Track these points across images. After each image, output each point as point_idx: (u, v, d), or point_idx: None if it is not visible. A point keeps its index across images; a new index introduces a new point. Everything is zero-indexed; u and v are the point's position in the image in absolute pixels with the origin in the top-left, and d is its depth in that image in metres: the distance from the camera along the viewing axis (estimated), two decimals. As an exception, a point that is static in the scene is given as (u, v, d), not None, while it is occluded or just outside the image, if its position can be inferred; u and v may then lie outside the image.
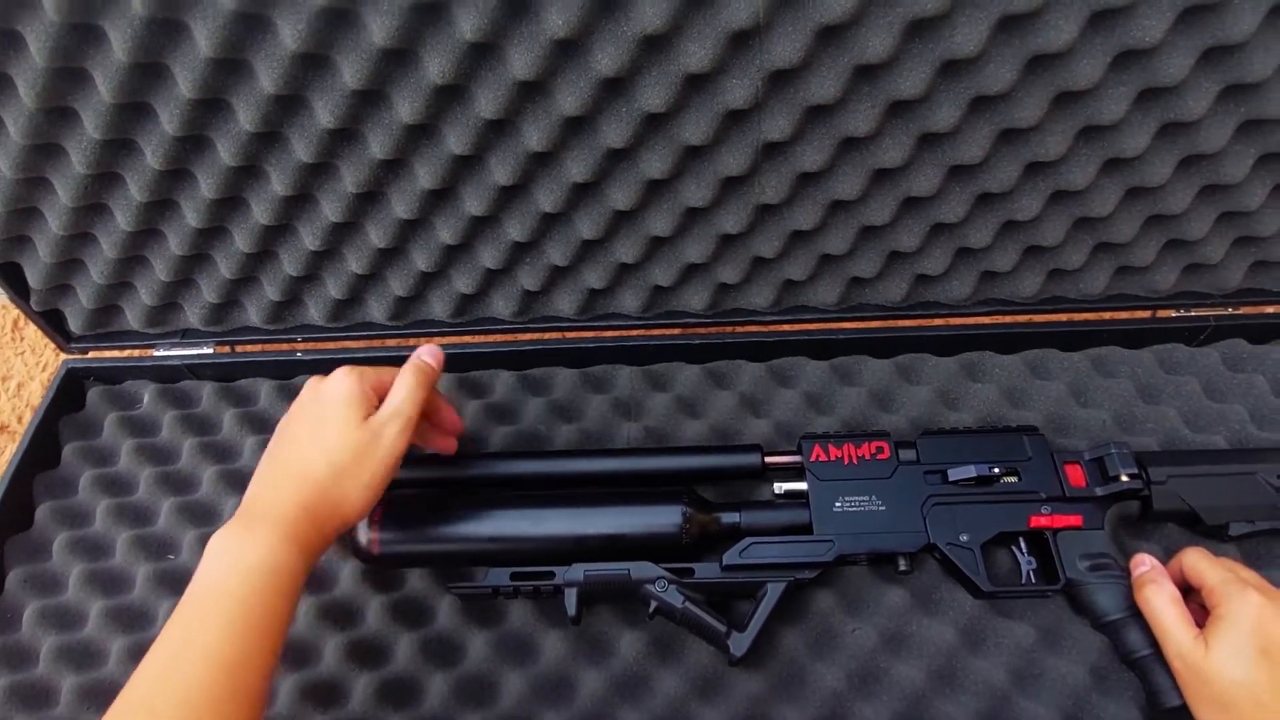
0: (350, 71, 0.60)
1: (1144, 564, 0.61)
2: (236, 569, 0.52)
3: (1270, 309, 0.79)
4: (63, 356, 0.86)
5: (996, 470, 0.67)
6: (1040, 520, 0.66)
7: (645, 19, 0.56)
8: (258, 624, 0.50)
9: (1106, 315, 0.81)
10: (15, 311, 1.02)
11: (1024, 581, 0.66)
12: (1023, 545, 0.67)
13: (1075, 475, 0.67)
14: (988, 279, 0.77)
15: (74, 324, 0.83)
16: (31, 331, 1.01)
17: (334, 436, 0.58)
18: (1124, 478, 0.65)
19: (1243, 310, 0.79)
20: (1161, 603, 0.58)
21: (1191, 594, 0.60)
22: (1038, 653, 0.64)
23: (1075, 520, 0.66)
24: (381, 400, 0.62)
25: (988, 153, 0.65)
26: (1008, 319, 0.81)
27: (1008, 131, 0.64)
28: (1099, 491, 0.66)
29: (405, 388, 0.62)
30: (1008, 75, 0.60)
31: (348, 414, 0.59)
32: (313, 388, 0.63)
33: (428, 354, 0.66)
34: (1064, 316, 0.81)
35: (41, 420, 0.81)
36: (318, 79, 0.61)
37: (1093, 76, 0.60)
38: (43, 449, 0.81)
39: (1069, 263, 0.75)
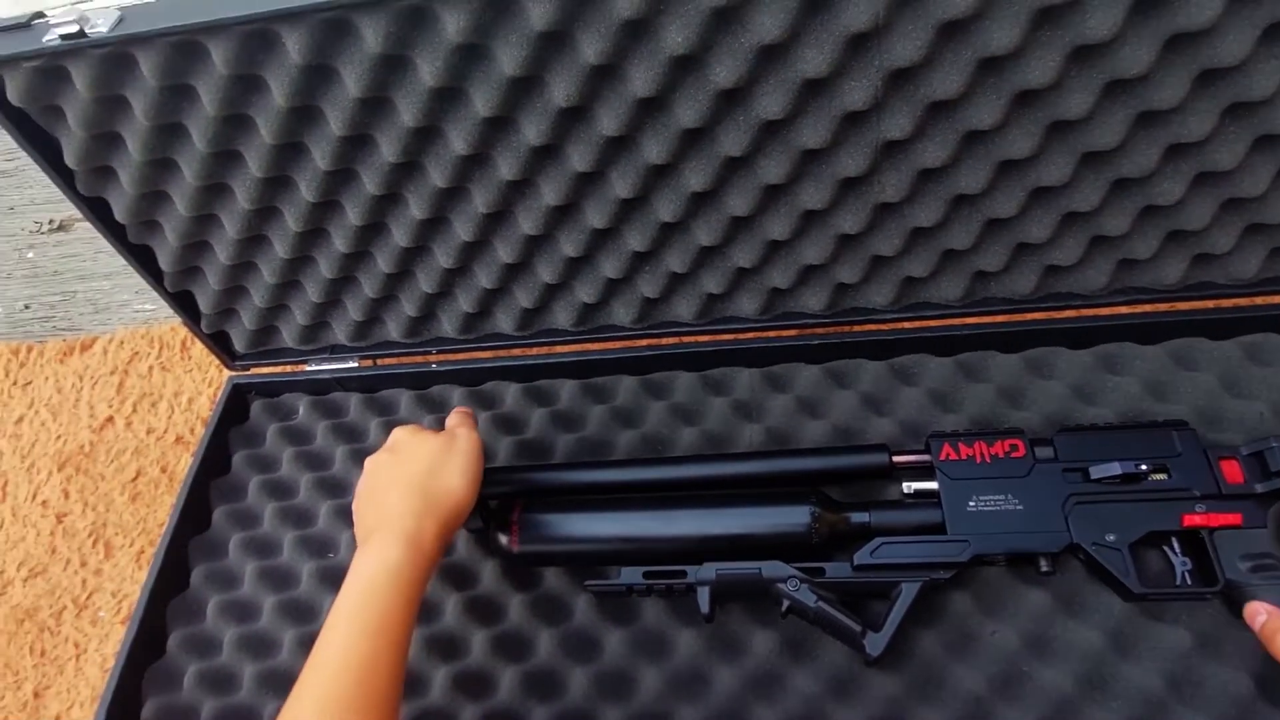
0: (481, 101, 0.64)
1: (1261, 614, 0.57)
2: (356, 584, 0.59)
3: None
4: (227, 373, 0.94)
5: (1144, 467, 0.64)
6: (1195, 519, 0.63)
7: (763, 30, 0.57)
8: (377, 626, 0.57)
9: (1260, 300, 0.75)
10: (183, 333, 1.12)
11: (1178, 583, 0.63)
12: (1176, 546, 0.64)
13: (1232, 471, 0.63)
14: (1126, 267, 0.73)
15: (238, 344, 0.91)
16: (197, 350, 1.11)
17: (417, 450, 0.67)
18: (1287, 473, 0.61)
19: None
20: None
21: None
22: (1195, 659, 0.61)
23: (1234, 519, 0.62)
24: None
25: (1124, 138, 0.62)
26: (1148, 308, 0.76)
27: (1146, 114, 0.61)
28: (1259, 488, 0.62)
29: (456, 416, 0.74)
30: (1145, 57, 0.57)
31: (421, 435, 0.69)
32: (374, 457, 0.69)
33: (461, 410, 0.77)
34: (1211, 303, 0.76)
35: (214, 432, 0.90)
36: (452, 110, 0.65)
37: (1239, 53, 0.56)
38: (216, 458, 0.89)
39: (1216, 246, 0.70)
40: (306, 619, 0.77)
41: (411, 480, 0.65)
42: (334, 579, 0.78)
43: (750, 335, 0.84)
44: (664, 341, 0.86)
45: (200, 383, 1.08)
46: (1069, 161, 0.65)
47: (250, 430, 0.92)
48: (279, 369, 0.94)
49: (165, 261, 0.82)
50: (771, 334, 0.84)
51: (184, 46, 0.63)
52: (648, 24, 0.58)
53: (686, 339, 0.85)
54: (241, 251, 0.80)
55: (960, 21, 0.56)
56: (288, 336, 0.89)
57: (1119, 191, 0.67)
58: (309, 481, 0.85)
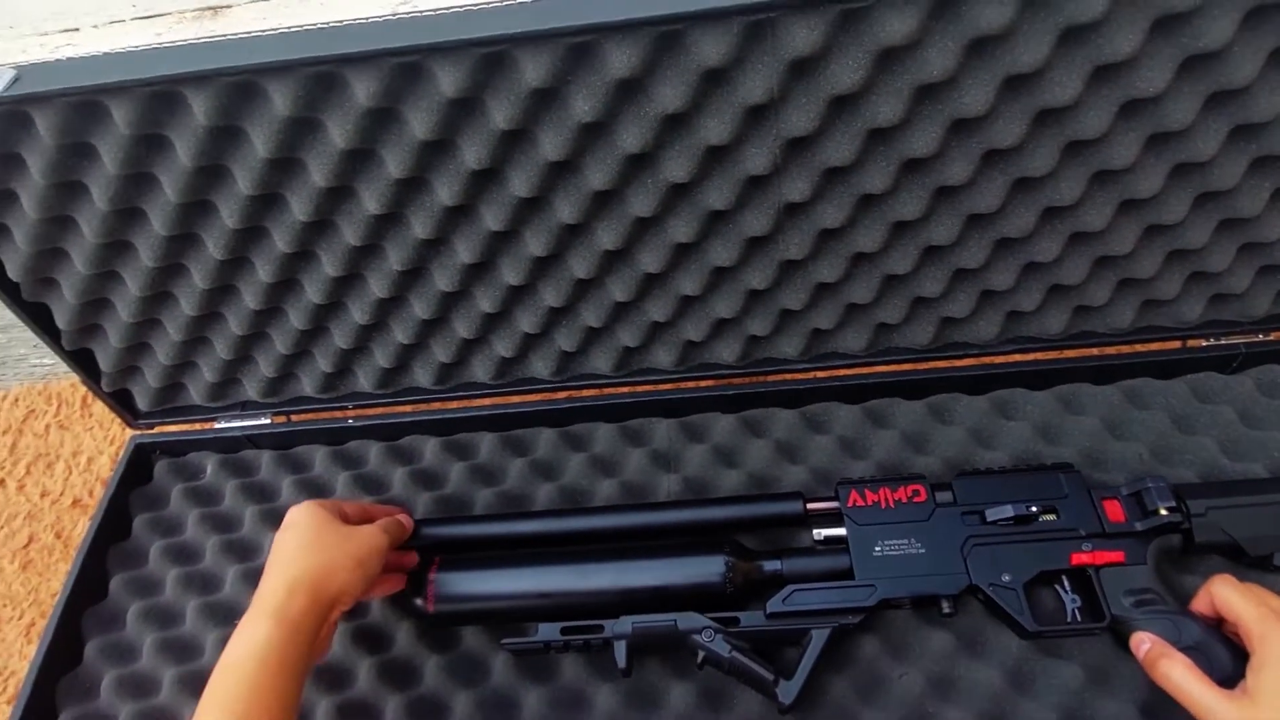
0: (394, 163, 0.64)
1: (1145, 642, 0.60)
2: (223, 666, 0.56)
3: (1302, 333, 0.79)
4: (130, 432, 0.91)
5: (1034, 509, 0.67)
6: (1082, 557, 0.66)
7: (666, 101, 0.60)
8: (246, 710, 0.53)
9: (1137, 347, 0.81)
10: (84, 389, 1.08)
11: (1069, 620, 0.66)
12: (1066, 583, 0.67)
13: (1114, 511, 0.67)
14: (1014, 319, 0.78)
15: (141, 402, 0.88)
16: (99, 407, 1.07)
17: (312, 530, 0.63)
18: (1163, 511, 0.65)
19: (1274, 336, 0.79)
20: (1180, 676, 0.56)
21: (1227, 623, 0.60)
22: (1088, 693, 0.64)
23: (1117, 556, 0.66)
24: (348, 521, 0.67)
25: (1003, 201, 0.67)
26: (1037, 355, 0.81)
27: (1022, 180, 0.66)
28: (1139, 526, 0.66)
29: (379, 525, 0.68)
30: (1017, 130, 0.62)
31: (322, 515, 0.65)
32: (281, 527, 0.66)
33: (404, 519, 0.72)
34: (1094, 351, 0.82)
35: (113, 495, 0.86)
36: (364, 171, 0.66)
37: (1101, 126, 0.62)
38: (114, 522, 0.85)
39: (1093, 299, 0.76)
40: (211, 691, 0.74)
41: (287, 552, 0.62)
42: (241, 647, 0.76)
43: (667, 386, 0.85)
44: (583, 393, 0.86)
45: (101, 441, 1.04)
46: (955, 222, 0.69)
47: (153, 492, 0.88)
48: (186, 427, 0.90)
49: (62, 320, 0.79)
50: (688, 385, 0.85)
51: (84, 107, 0.62)
52: (556, 93, 0.60)
53: (605, 390, 0.86)
54: (145, 309, 0.78)
55: (848, 96, 0.60)
56: (195, 394, 0.87)
57: (1002, 250, 0.72)
58: (215, 545, 0.82)
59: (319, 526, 0.64)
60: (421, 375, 0.85)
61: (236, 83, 0.59)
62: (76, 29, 1.15)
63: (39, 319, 0.79)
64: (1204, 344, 0.80)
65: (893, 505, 0.70)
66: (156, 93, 0.60)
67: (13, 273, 0.74)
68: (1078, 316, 0.78)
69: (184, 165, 0.64)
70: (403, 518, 0.72)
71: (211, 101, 0.60)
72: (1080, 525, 0.67)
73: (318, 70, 0.58)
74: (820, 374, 0.84)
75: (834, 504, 0.71)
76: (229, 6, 1.15)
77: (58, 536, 0.97)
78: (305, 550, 0.62)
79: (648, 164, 0.65)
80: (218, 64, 0.57)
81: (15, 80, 0.60)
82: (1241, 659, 0.57)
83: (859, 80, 0.58)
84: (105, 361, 0.83)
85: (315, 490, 0.85)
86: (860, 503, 0.70)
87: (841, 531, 0.69)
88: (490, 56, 0.58)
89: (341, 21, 0.56)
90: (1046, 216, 0.69)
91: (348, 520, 0.67)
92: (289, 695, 0.56)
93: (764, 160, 0.64)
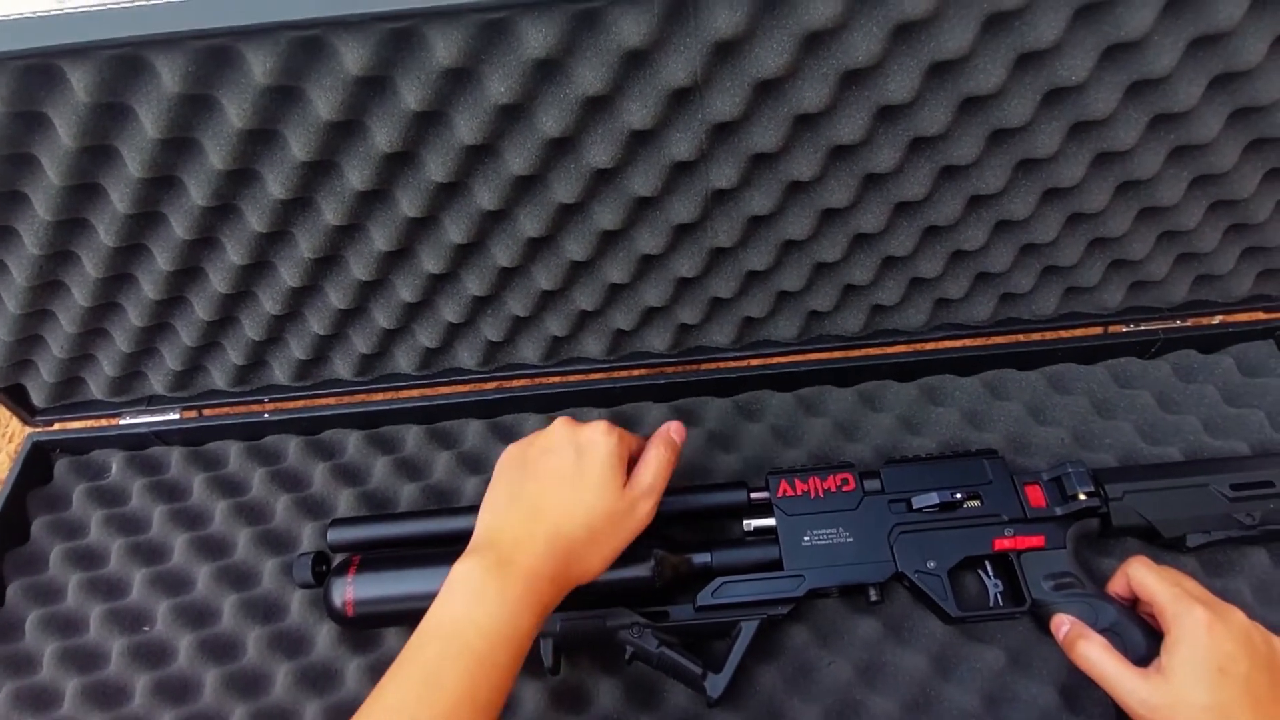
0: (298, 145, 0.61)
1: (1065, 624, 0.62)
2: (479, 621, 0.50)
3: (1217, 319, 0.81)
4: (27, 430, 0.85)
5: (959, 495, 0.68)
6: (1004, 543, 0.67)
7: (586, 83, 0.57)
8: (489, 685, 0.49)
9: (1061, 334, 0.83)
10: (-22, 382, 1.01)
11: (991, 605, 0.67)
12: (989, 569, 0.68)
13: (1035, 496, 0.68)
14: (942, 306, 0.79)
15: (37, 398, 0.83)
16: (-4, 402, 1.00)
17: (593, 499, 0.57)
18: (1082, 496, 0.66)
19: (1190, 322, 0.81)
20: (1097, 655, 0.58)
21: (1142, 604, 0.62)
22: (1008, 676, 0.65)
23: (1038, 541, 0.67)
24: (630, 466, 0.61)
25: (930, 189, 0.67)
26: (964, 342, 0.82)
27: (948, 168, 0.66)
28: (1059, 511, 0.67)
29: (657, 463, 0.60)
30: (942, 117, 0.61)
31: (610, 476, 0.58)
32: (570, 435, 0.59)
33: (676, 432, 0.64)
34: (1019, 337, 0.83)
35: (8, 496, 0.81)
36: (266, 153, 0.62)
37: (1025, 115, 0.61)
38: (11, 526, 0.80)
39: (1019, 286, 0.77)
40: (116, 703, 0.70)
41: (570, 535, 0.55)
42: (150, 656, 0.72)
43: (599, 376, 0.84)
44: (513, 384, 0.84)
45: (0, 439, 0.97)
46: (883, 210, 0.69)
47: (53, 492, 0.83)
48: (88, 423, 0.85)
49: (-58, 312, 0.73)
50: (620, 374, 0.84)
51: (-52, 80, 0.56)
52: (470, 73, 0.57)
53: (536, 380, 0.84)
54: (34, 299, 0.72)
55: (773, 81, 0.58)
56: (96, 388, 0.82)
57: (930, 238, 0.72)
58: (121, 547, 0.77)
59: (607, 493, 0.56)
60: (341, 367, 0.81)
61: (119, 56, 0.55)
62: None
63: (-84, 311, 0.73)
64: (1124, 330, 0.81)
65: (821, 495, 0.69)
66: (30, 66, 0.55)
67: (-117, 264, 0.68)
68: (1004, 303, 0.79)
69: (66, 145, 0.59)
70: (676, 434, 0.63)
71: (92, 76, 0.55)
72: (1003, 510, 0.68)
73: (208, 44, 0.54)
74: (752, 362, 0.83)
75: (766, 493, 0.70)
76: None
77: (-49, 541, 0.91)
78: (582, 528, 0.55)
79: (569, 149, 0.63)
80: (96, 35, 0.53)
81: None
82: (1156, 638, 0.59)
83: (784, 64, 0.57)
84: (-7, 355, 0.78)
85: (229, 488, 0.81)
86: (790, 493, 0.70)
87: (771, 522, 0.69)
88: (398, 32, 0.54)
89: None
90: (972, 205, 0.69)
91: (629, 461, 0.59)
92: (510, 689, 0.50)
93: (689, 146, 0.62)
